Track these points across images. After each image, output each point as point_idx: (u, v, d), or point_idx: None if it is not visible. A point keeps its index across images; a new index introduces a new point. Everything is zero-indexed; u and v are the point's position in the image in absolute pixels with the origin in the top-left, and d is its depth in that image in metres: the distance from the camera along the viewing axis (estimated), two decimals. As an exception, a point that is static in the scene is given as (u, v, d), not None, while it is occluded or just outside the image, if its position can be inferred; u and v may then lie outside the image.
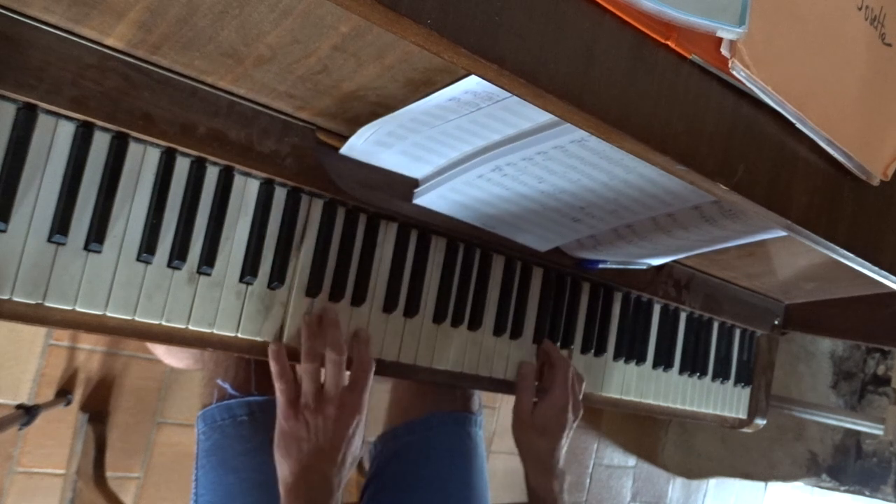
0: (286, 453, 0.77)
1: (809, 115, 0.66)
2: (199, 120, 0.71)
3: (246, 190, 0.76)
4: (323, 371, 0.80)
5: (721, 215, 0.84)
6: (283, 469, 0.78)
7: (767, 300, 1.30)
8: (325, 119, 0.76)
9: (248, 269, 0.76)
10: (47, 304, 0.66)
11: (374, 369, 0.81)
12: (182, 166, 0.72)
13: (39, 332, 1.36)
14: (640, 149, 0.59)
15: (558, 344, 1.04)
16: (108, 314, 0.69)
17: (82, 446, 1.39)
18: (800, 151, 0.70)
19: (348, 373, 0.81)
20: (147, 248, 0.70)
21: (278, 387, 0.78)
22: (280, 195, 0.78)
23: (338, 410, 0.78)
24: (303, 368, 0.78)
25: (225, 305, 0.75)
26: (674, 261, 1.09)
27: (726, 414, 1.31)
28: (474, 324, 0.94)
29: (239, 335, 0.76)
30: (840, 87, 0.69)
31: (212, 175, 0.74)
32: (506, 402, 1.93)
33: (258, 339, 0.77)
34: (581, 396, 1.01)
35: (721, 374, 1.28)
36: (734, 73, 0.61)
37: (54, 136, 0.66)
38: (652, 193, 0.83)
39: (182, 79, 0.69)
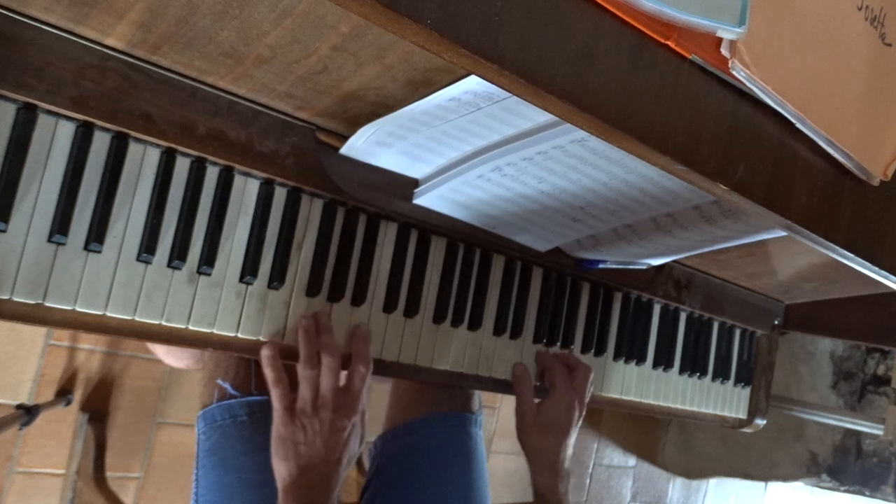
0: (284, 456, 0.78)
1: (809, 115, 0.66)
2: (199, 120, 0.71)
3: (246, 190, 0.76)
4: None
5: (721, 215, 0.84)
6: (281, 471, 0.78)
7: (767, 300, 1.30)
8: (325, 119, 0.76)
9: (249, 269, 0.76)
10: (47, 304, 0.66)
11: (371, 368, 0.82)
12: (182, 166, 0.72)
13: (39, 332, 1.36)
14: (640, 149, 0.59)
15: (558, 344, 1.04)
16: (108, 314, 0.69)
17: (82, 446, 1.39)
18: (800, 151, 0.70)
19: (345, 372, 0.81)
20: (147, 248, 0.70)
21: (274, 393, 0.78)
22: (280, 195, 0.78)
23: (333, 414, 0.78)
24: (300, 375, 0.78)
25: (225, 305, 0.75)
26: (674, 261, 1.09)
27: (726, 414, 1.31)
28: (474, 324, 0.94)
29: (239, 335, 0.76)
30: (840, 87, 0.69)
31: (212, 175, 0.74)
32: (506, 402, 1.93)
33: (258, 338, 0.77)
34: (588, 398, 1.01)
35: (721, 374, 1.28)
36: (734, 73, 0.61)
37: (54, 136, 0.66)
38: (652, 193, 0.83)
39: (182, 79, 0.69)
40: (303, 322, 0.79)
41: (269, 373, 0.78)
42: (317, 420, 0.78)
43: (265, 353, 0.77)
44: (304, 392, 0.78)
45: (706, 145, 0.62)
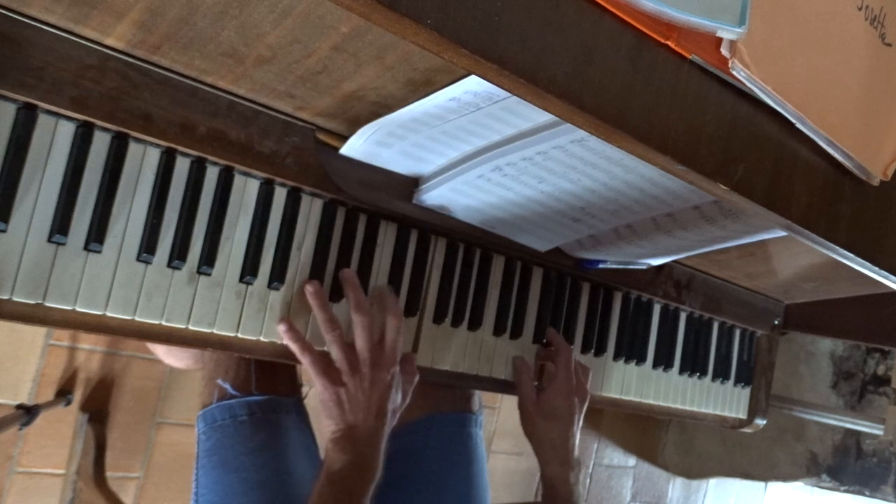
0: (328, 415, 0.79)
1: (809, 115, 0.66)
2: (199, 120, 0.71)
3: (246, 190, 0.76)
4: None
5: (721, 215, 0.84)
6: (329, 425, 0.79)
7: (767, 300, 1.30)
8: (325, 119, 0.76)
9: (249, 269, 0.76)
10: (47, 304, 0.66)
11: (402, 319, 0.82)
12: (182, 166, 0.72)
13: (39, 332, 1.36)
14: (640, 149, 0.59)
15: (558, 344, 1.04)
16: (108, 314, 0.69)
17: (82, 446, 1.39)
18: (800, 151, 0.70)
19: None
20: (147, 248, 0.70)
21: (306, 360, 0.78)
22: (280, 195, 0.78)
23: (372, 369, 0.79)
24: (326, 339, 0.79)
25: (225, 305, 0.75)
26: (674, 261, 1.09)
27: (726, 414, 1.31)
28: (474, 324, 0.94)
29: (239, 335, 0.76)
30: (840, 87, 0.69)
31: (212, 175, 0.74)
32: (506, 403, 1.93)
33: (258, 339, 0.77)
34: (588, 384, 1.01)
35: (721, 374, 1.28)
36: (734, 73, 0.61)
37: (54, 136, 0.66)
38: (652, 193, 0.83)
39: (182, 79, 0.69)
40: (308, 288, 0.79)
41: (292, 345, 0.78)
42: (357, 376, 0.79)
43: (282, 327, 0.78)
44: (336, 353, 0.79)
45: (706, 145, 0.62)
